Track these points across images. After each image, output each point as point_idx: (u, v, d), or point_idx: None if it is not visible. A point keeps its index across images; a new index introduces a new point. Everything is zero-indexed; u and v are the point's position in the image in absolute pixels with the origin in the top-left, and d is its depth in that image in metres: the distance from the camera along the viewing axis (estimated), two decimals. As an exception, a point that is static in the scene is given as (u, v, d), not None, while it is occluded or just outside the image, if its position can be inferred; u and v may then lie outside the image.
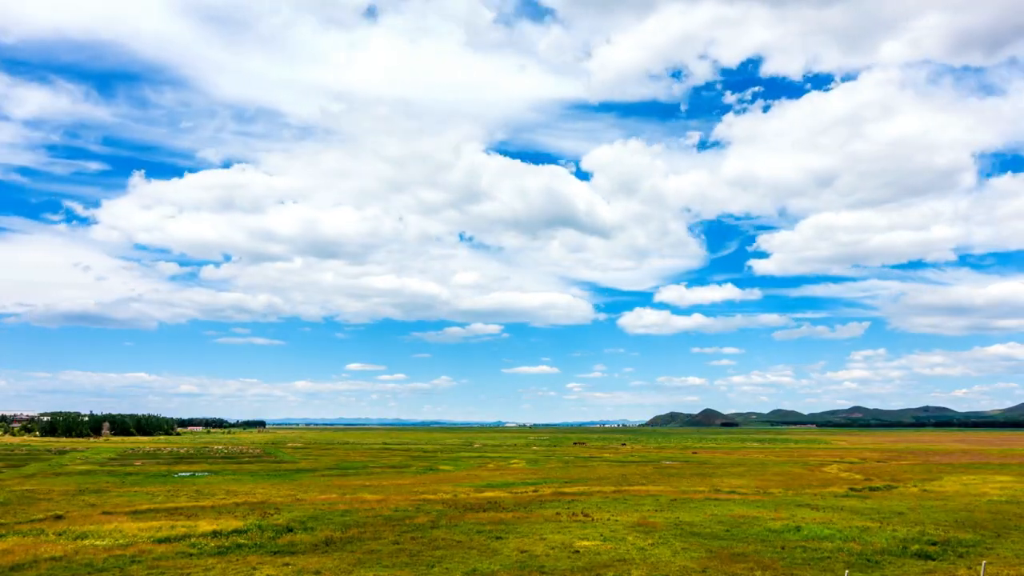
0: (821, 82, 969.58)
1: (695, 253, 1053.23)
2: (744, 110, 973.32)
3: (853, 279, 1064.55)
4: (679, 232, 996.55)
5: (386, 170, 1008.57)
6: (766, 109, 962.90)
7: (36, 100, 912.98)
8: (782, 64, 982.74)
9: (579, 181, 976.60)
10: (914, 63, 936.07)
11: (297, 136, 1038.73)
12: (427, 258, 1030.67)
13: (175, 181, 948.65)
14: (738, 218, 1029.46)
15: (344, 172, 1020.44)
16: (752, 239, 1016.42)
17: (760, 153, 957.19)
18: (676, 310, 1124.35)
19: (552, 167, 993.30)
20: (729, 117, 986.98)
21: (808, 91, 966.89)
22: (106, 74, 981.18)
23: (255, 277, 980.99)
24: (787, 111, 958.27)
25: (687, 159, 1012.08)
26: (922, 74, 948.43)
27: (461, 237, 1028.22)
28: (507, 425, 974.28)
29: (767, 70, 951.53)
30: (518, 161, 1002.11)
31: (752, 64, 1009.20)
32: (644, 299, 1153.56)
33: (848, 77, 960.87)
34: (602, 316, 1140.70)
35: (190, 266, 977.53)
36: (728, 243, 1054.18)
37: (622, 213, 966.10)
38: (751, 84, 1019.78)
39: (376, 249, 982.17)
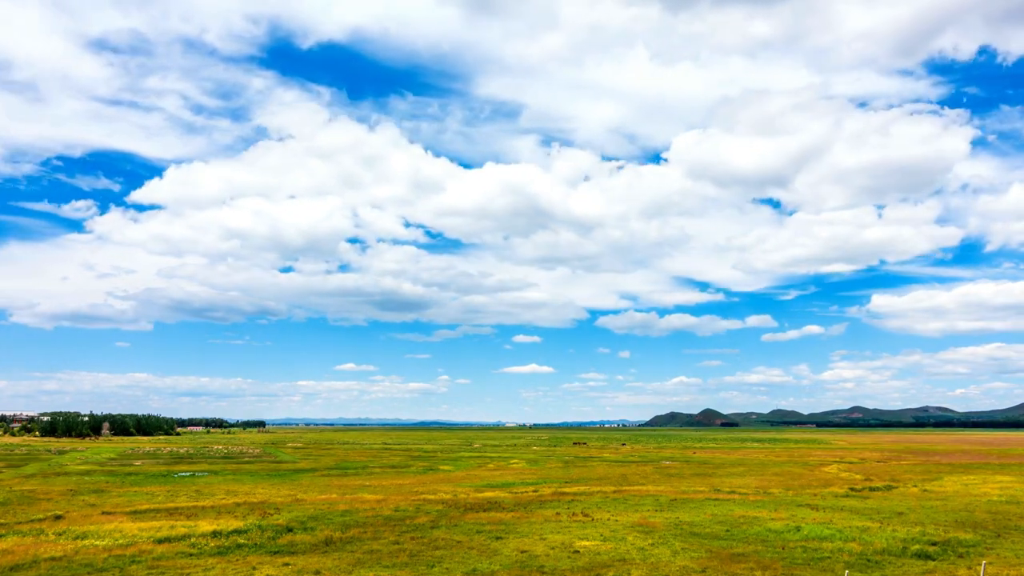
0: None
1: (688, 251, 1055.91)
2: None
3: (852, 277, 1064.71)
4: (668, 229, 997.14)
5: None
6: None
7: (285, 101, 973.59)
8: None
9: (550, 179, 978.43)
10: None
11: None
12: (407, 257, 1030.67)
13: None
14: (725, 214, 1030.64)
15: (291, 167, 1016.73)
16: (742, 235, 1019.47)
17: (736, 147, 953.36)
18: (674, 310, 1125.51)
19: (517, 164, 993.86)
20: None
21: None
22: (369, 75, 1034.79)
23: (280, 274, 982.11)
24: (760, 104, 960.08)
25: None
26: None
27: (430, 233, 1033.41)
28: (507, 425, 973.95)
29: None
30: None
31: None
32: (641, 298, 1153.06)
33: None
34: (598, 316, 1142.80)
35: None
36: (717, 239, 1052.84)
37: (601, 210, 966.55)
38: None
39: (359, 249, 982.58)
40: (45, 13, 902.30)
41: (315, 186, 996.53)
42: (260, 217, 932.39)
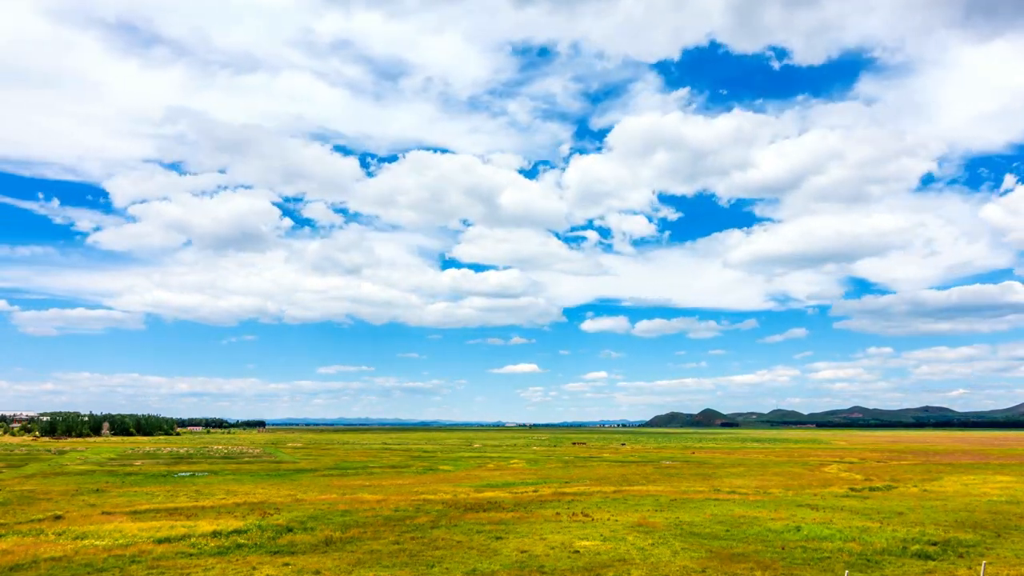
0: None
1: (686, 251, 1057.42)
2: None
3: (849, 276, 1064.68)
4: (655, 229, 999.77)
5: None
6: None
7: (643, 103, 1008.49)
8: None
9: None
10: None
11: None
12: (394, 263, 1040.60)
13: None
14: (721, 211, 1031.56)
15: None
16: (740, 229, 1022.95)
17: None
18: (673, 311, 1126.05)
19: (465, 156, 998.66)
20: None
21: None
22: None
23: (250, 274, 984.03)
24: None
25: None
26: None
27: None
28: (507, 425, 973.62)
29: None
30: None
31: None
32: (641, 300, 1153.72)
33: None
34: (597, 316, 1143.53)
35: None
36: (715, 238, 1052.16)
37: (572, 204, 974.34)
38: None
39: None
40: (482, 21, 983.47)
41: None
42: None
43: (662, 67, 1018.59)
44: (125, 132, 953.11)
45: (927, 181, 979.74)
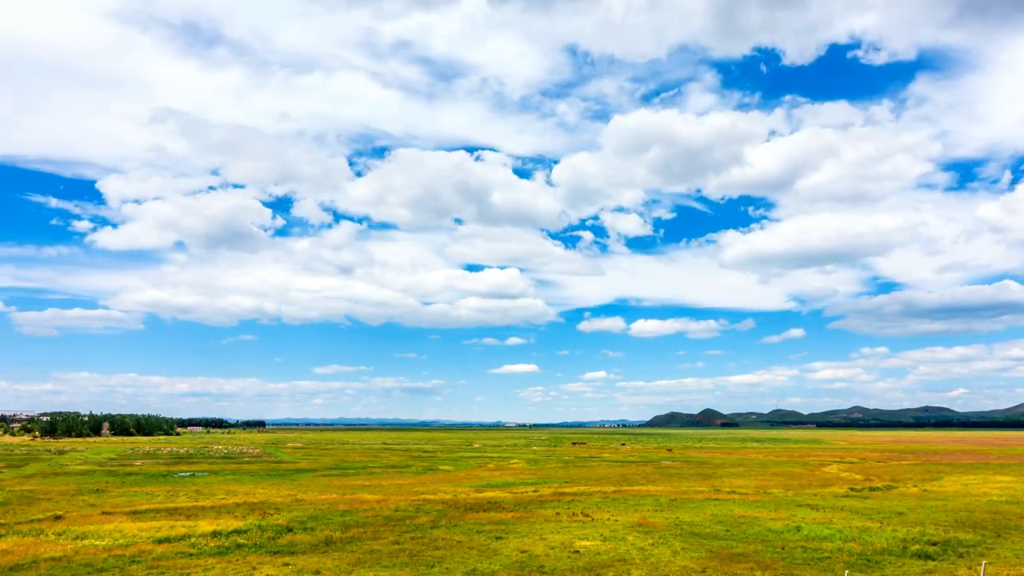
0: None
1: (682, 250, 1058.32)
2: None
3: (849, 275, 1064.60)
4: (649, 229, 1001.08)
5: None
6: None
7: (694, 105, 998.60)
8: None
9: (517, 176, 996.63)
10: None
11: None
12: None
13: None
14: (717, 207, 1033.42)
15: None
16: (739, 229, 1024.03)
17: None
18: (672, 311, 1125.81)
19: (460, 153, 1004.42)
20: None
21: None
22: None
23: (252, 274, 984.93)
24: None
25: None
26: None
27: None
28: (507, 425, 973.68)
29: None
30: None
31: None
32: (640, 299, 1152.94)
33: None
34: (595, 316, 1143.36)
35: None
36: (711, 237, 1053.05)
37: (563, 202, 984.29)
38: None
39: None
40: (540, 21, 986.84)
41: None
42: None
43: (721, 66, 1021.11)
44: (165, 132, 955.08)
45: (924, 180, 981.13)
